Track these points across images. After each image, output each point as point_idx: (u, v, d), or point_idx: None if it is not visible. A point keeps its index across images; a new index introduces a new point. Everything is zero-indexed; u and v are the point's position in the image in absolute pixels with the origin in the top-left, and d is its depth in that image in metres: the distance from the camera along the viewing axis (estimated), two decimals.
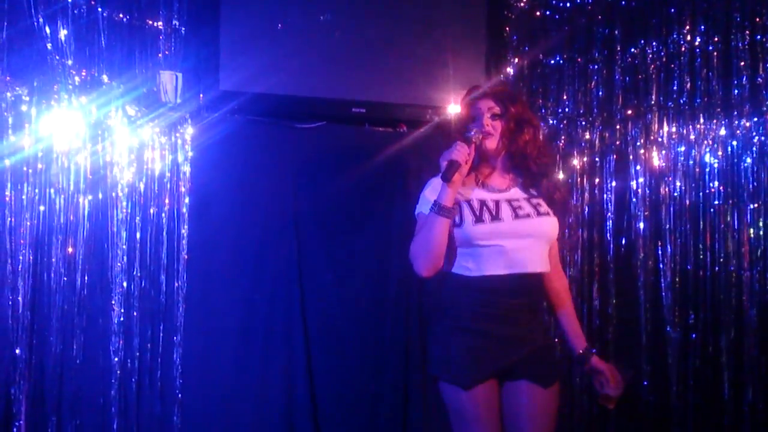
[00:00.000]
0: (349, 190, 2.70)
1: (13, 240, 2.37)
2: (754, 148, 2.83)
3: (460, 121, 2.05)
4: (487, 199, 1.97)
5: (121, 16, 2.50)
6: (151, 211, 2.54)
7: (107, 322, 2.47)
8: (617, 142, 2.92)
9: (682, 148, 2.89)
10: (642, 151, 2.91)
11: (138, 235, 2.52)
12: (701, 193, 2.87)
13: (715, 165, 2.87)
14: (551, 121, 2.93)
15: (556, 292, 2.07)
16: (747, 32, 2.83)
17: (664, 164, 2.90)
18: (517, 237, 1.93)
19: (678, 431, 2.84)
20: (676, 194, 2.88)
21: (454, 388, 1.92)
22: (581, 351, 2.05)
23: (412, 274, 2.56)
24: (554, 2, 2.92)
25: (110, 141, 2.49)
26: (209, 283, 2.61)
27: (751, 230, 2.82)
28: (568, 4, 2.92)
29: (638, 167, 2.90)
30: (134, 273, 2.51)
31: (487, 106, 2.01)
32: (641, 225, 2.89)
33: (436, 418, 2.67)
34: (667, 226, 2.87)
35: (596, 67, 2.91)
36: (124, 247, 2.49)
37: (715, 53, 2.85)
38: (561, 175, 2.89)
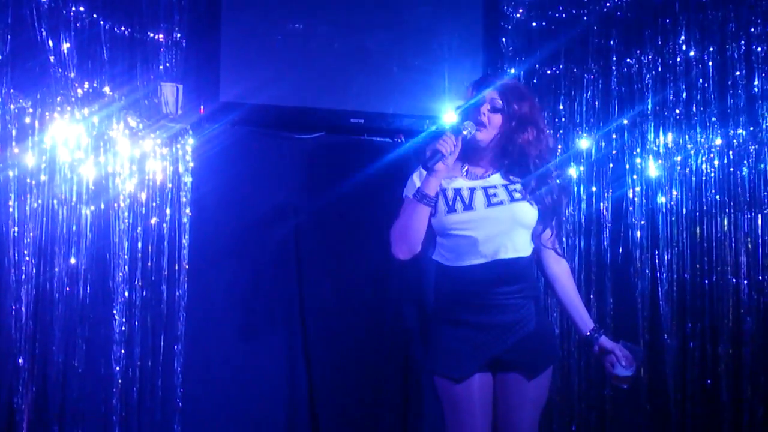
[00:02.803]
0: (347, 199, 2.72)
1: (16, 250, 2.38)
2: (750, 158, 2.86)
3: (462, 106, 2.01)
4: (463, 188, 1.96)
5: (122, 28, 2.53)
6: (153, 221, 2.56)
7: (109, 331, 2.48)
8: (614, 152, 2.94)
9: (679, 158, 2.91)
10: (638, 160, 2.93)
11: (139, 245, 2.53)
12: (698, 202, 2.89)
13: (712, 174, 2.89)
14: (548, 131, 2.95)
15: (555, 276, 2.06)
16: (742, 42, 2.86)
17: (660, 173, 2.92)
18: (489, 225, 1.92)
19: None
20: (672, 203, 2.90)
21: (446, 381, 1.94)
22: (588, 333, 2.04)
23: (411, 279, 2.67)
24: (550, 13, 2.94)
25: (112, 152, 2.51)
26: (210, 293, 2.63)
27: (748, 239, 2.84)
28: (564, 15, 2.94)
29: (635, 176, 2.92)
30: (136, 282, 2.52)
31: (490, 96, 1.97)
32: (638, 234, 2.90)
33: (436, 419, 2.68)
34: (664, 234, 2.89)
35: (592, 76, 2.93)
36: (125, 257, 2.51)
37: (711, 63, 2.88)
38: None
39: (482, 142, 1.97)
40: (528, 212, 1.97)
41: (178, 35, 2.59)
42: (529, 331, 1.95)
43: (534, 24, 2.94)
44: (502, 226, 1.94)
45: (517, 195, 1.97)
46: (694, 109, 2.89)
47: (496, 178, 2.00)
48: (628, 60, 2.93)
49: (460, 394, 1.92)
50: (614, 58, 2.93)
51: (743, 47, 2.85)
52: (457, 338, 1.94)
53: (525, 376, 1.94)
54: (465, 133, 1.93)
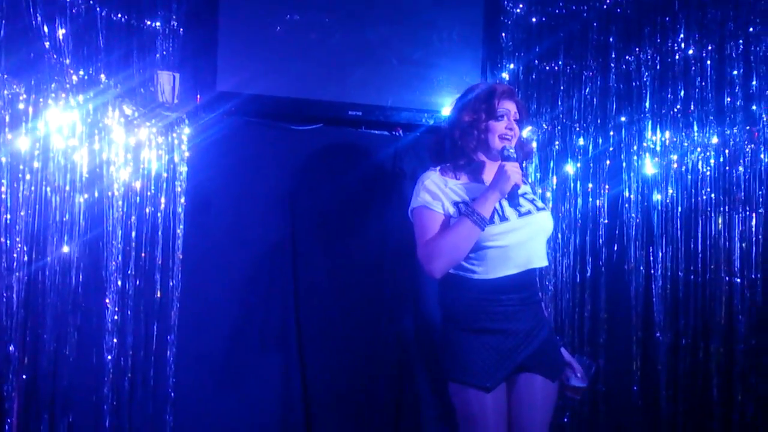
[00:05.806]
0: (345, 192, 2.71)
1: (8, 237, 2.36)
2: (746, 157, 2.87)
3: (488, 112, 2.04)
4: None
5: (119, 15, 2.50)
6: (147, 210, 2.54)
7: (101, 320, 2.46)
8: (611, 149, 2.95)
9: (675, 155, 2.92)
10: (635, 157, 2.93)
11: (133, 234, 2.51)
12: (693, 200, 2.90)
13: (707, 172, 2.90)
14: (546, 126, 2.95)
15: None
16: (740, 41, 2.86)
17: (656, 171, 2.92)
18: (522, 235, 1.98)
19: None
20: (668, 200, 2.91)
21: (467, 390, 1.95)
22: None
23: (407, 275, 2.67)
24: (550, 9, 2.94)
25: (107, 140, 2.48)
26: (204, 283, 2.61)
27: (742, 237, 2.85)
28: (563, 11, 2.94)
29: (631, 173, 2.93)
30: (129, 272, 2.50)
31: (513, 109, 2.07)
32: (633, 231, 2.91)
33: (428, 420, 2.68)
34: (659, 232, 2.90)
35: (591, 73, 2.94)
36: (119, 246, 2.49)
37: (709, 61, 2.88)
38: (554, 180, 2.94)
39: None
40: (551, 221, 2.07)
41: (176, 23, 2.57)
42: (545, 336, 2.02)
43: (534, 19, 2.93)
44: (533, 235, 2.01)
45: (540, 204, 2.06)
46: (691, 108, 2.89)
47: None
48: (626, 57, 2.94)
49: (480, 405, 1.94)
50: (613, 55, 2.93)
51: (741, 46, 2.86)
52: (484, 346, 1.96)
53: (542, 379, 1.98)
54: (512, 153, 1.99)
